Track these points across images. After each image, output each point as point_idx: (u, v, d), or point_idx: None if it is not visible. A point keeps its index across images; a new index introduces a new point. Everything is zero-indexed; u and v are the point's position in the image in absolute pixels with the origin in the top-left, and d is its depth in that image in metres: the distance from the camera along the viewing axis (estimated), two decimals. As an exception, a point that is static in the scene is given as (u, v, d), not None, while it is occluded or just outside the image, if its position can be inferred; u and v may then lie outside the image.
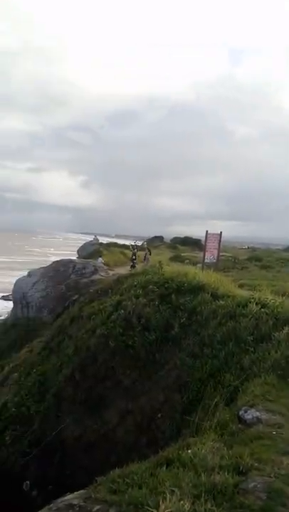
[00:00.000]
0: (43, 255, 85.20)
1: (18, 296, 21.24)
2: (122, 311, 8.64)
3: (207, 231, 17.98)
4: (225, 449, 3.66)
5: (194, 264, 19.53)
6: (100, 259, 25.27)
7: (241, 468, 3.21)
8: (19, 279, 22.99)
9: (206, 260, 17.72)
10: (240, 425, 4.33)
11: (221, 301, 7.98)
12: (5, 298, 43.52)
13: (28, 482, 7.97)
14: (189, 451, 3.69)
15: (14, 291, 22.72)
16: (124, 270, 21.29)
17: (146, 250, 24.32)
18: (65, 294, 18.60)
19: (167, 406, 6.84)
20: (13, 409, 9.19)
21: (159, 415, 6.85)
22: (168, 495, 2.77)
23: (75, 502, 2.84)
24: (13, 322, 20.76)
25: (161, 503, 2.67)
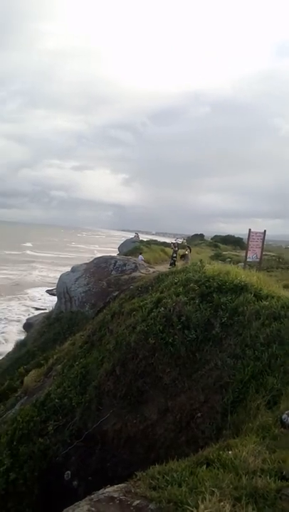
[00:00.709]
0: (90, 252, 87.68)
1: (62, 290, 21.93)
2: (162, 308, 8.65)
3: (250, 229, 17.57)
4: (267, 452, 3.58)
5: (236, 263, 19.16)
6: (141, 256, 25.49)
7: (284, 473, 3.13)
8: (63, 274, 23.74)
9: (248, 259, 17.34)
10: (282, 429, 4.22)
11: (265, 302, 7.76)
12: (50, 292, 45.23)
13: (69, 472, 8.21)
14: (230, 452, 3.65)
15: (58, 285, 23.50)
16: (163, 268, 21.35)
17: (187, 248, 24.24)
18: (106, 289, 18.97)
19: (207, 406, 6.78)
20: (56, 400, 9.50)
21: (199, 414, 6.81)
22: (208, 495, 2.76)
23: (116, 495, 2.91)
24: (57, 316, 21.49)
25: (200, 502, 2.67)
